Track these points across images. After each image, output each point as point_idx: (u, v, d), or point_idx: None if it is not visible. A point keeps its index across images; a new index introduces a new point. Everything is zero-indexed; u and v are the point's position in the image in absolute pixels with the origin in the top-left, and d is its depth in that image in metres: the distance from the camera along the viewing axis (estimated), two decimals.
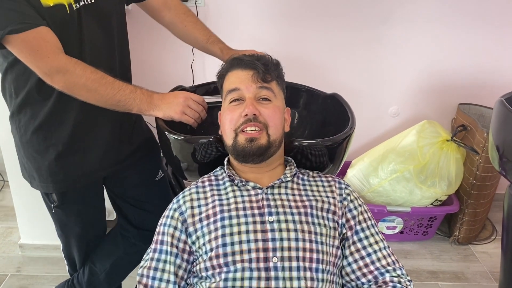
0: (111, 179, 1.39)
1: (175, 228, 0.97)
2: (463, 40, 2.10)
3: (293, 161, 1.07)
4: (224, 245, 0.91)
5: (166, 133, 1.09)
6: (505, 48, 2.12)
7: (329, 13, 2.05)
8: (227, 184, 1.01)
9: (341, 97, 1.27)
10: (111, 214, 1.85)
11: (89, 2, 1.10)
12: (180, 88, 1.28)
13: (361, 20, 2.07)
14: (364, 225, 0.99)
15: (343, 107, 1.23)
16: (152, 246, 0.98)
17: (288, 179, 1.01)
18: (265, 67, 1.03)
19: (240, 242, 0.91)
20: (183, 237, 0.97)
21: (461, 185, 2.07)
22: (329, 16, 2.06)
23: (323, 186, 1.03)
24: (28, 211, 1.94)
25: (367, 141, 2.33)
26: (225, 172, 1.04)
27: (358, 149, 2.31)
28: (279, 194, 0.99)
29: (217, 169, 1.08)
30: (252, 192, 0.99)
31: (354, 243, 0.97)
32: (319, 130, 1.30)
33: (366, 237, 0.97)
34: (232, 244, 0.91)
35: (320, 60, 2.16)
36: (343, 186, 1.03)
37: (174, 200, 1.02)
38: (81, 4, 1.08)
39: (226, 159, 1.07)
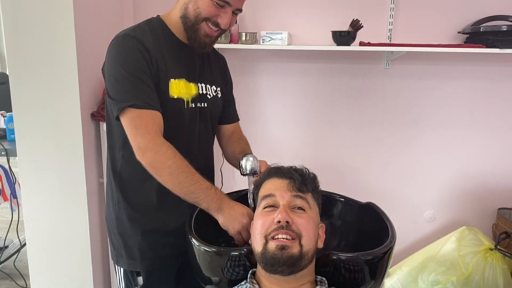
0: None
1: None
2: (497, 142, 2.08)
3: (326, 281, 0.99)
4: None
5: (196, 244, 1.05)
6: None
7: (359, 117, 2.09)
8: None
9: (377, 206, 1.22)
10: None
11: (203, 106, 1.28)
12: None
13: (392, 124, 2.09)
14: None
15: (380, 217, 1.17)
16: None
17: None
18: (302, 178, 1.02)
19: None
20: None
21: None
22: (359, 120, 2.10)
23: None
24: None
25: (403, 248, 2.22)
26: (249, 285, 0.97)
27: (394, 256, 2.18)
28: None
29: (243, 282, 1.01)
30: None
31: None
32: (355, 241, 1.23)
33: None
34: None
35: (352, 164, 2.15)
36: None
37: None
38: (197, 105, 1.26)
39: (250, 271, 1.01)
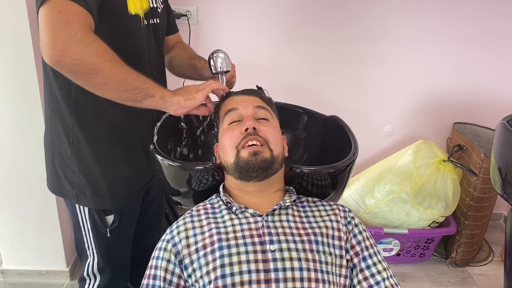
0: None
1: (169, 261, 0.91)
2: (457, 59, 2.10)
3: (294, 190, 1.03)
4: (223, 276, 0.85)
5: (160, 158, 1.04)
6: (498, 68, 2.12)
7: (321, 33, 2.03)
8: (224, 212, 0.96)
9: (341, 119, 1.23)
10: None
11: (155, 21, 1.13)
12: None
13: (354, 39, 2.05)
14: (371, 251, 0.95)
15: (344, 130, 1.18)
16: (144, 281, 0.91)
17: (287, 204, 0.96)
18: (260, 93, 1.07)
19: (241, 273, 0.85)
20: (177, 270, 0.90)
21: (458, 206, 2.03)
22: (321, 36, 2.04)
23: (325, 210, 0.99)
24: (11, 235, 1.86)
25: (362, 160, 2.30)
26: (222, 199, 0.98)
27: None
28: (280, 221, 0.94)
29: (213, 196, 1.03)
30: (252, 220, 0.94)
31: (361, 270, 0.93)
32: (318, 154, 1.26)
33: (374, 264, 0.94)
34: (232, 275, 0.85)
35: (313, 80, 2.13)
36: (346, 209, 1.00)
37: (168, 231, 0.96)
38: (149, 22, 1.11)
39: (221, 186, 1.02)
